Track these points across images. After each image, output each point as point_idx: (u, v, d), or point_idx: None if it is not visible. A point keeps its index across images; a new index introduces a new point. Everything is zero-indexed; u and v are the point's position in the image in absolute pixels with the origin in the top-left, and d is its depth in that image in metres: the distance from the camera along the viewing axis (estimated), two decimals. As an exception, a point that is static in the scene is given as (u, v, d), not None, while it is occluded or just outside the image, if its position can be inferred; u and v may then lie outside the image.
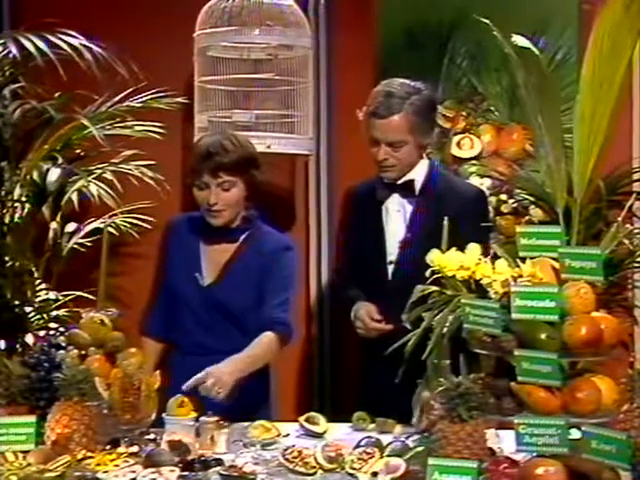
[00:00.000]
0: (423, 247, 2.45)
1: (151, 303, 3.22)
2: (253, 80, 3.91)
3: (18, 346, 3.19)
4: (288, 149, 3.91)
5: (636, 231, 2.73)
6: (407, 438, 2.55)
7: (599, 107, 2.27)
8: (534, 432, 2.09)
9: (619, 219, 2.39)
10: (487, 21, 2.40)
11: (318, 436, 2.74)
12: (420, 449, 2.33)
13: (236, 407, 2.82)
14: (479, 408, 2.13)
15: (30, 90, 3.52)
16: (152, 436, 2.56)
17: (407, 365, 2.44)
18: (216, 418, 2.61)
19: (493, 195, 3.95)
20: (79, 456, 2.33)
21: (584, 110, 2.28)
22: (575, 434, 2.11)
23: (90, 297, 3.26)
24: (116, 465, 2.31)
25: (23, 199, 3.53)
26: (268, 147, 3.80)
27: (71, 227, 3.89)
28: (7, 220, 3.42)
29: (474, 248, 2.35)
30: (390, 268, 3.15)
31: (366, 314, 3.08)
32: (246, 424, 2.75)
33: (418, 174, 3.16)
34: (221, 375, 2.80)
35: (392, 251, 3.16)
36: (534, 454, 2.11)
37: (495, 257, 2.33)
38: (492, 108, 4.16)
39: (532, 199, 3.13)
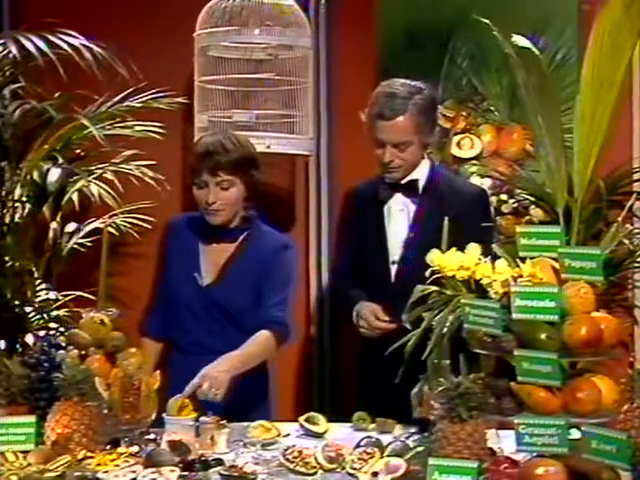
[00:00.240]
0: (428, 246, 2.45)
1: (150, 303, 3.22)
2: (253, 80, 3.91)
3: (18, 346, 3.19)
4: (288, 149, 3.91)
5: (636, 231, 2.73)
6: (407, 438, 2.56)
7: (599, 107, 2.27)
8: (534, 432, 2.08)
9: (619, 219, 2.39)
10: (487, 21, 2.41)
11: (318, 436, 2.74)
12: (420, 449, 2.33)
13: (236, 407, 2.82)
14: (479, 408, 2.13)
15: (30, 90, 3.51)
16: (152, 436, 2.56)
17: (407, 365, 2.44)
18: (216, 418, 2.61)
19: (493, 195, 3.95)
20: (79, 456, 2.33)
21: (584, 110, 2.28)
22: (575, 434, 2.11)
23: (90, 297, 3.26)
24: (116, 465, 2.31)
25: (23, 199, 3.53)
26: (268, 147, 3.80)
27: (71, 227, 3.89)
28: (7, 220, 3.42)
29: (474, 248, 2.35)
30: (393, 268, 3.15)
31: (370, 313, 3.07)
32: (246, 424, 2.75)
33: (421, 174, 3.17)
34: (217, 375, 2.81)
35: (395, 251, 3.16)
36: (534, 454, 2.11)
37: (495, 257, 2.33)
38: (492, 108, 4.17)
39: (532, 199, 3.13)
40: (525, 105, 2.36)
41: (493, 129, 4.14)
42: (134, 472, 2.28)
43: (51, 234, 3.78)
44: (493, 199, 3.92)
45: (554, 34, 4.06)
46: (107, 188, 3.80)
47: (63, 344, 2.69)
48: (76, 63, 3.11)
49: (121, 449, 2.43)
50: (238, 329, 3.04)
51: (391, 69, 3.84)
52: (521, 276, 2.20)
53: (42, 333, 3.18)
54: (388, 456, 2.39)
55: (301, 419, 2.80)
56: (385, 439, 2.55)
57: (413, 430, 2.68)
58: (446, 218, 2.50)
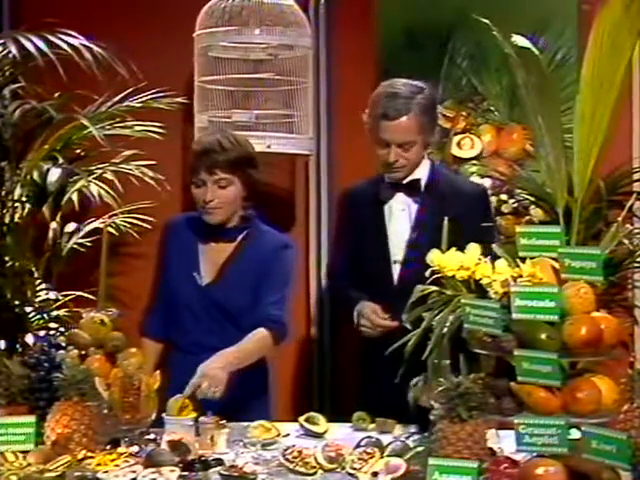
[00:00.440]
0: (431, 246, 2.45)
1: (150, 304, 3.23)
2: (253, 80, 3.91)
3: (18, 346, 3.19)
4: (288, 149, 3.92)
5: (636, 231, 2.74)
6: (407, 438, 2.56)
7: (599, 107, 2.27)
8: (534, 432, 2.08)
9: (619, 219, 2.39)
10: (487, 21, 2.40)
11: (318, 436, 2.74)
12: (420, 449, 2.33)
13: (236, 407, 2.82)
14: (479, 408, 2.13)
15: (30, 90, 3.51)
16: (152, 436, 2.56)
17: (407, 365, 2.44)
18: (216, 418, 2.61)
19: (493, 195, 3.94)
20: (79, 456, 2.33)
21: (584, 110, 2.28)
22: (575, 434, 2.11)
23: (90, 297, 3.26)
24: (116, 465, 2.31)
25: (23, 199, 3.53)
26: (268, 147, 3.81)
27: (71, 227, 3.89)
28: (7, 220, 3.42)
29: (474, 248, 2.35)
30: (395, 268, 3.15)
31: (372, 312, 3.07)
32: (246, 424, 2.75)
33: (422, 173, 3.18)
34: (215, 374, 2.81)
35: (396, 251, 3.16)
36: (534, 454, 2.11)
37: (495, 257, 2.33)
38: (492, 108, 4.17)
39: (532, 199, 3.14)
40: (525, 105, 2.36)
41: (493, 129, 4.15)
42: (134, 472, 2.28)
43: (51, 234, 3.78)
44: (493, 199, 3.92)
45: (554, 34, 4.06)
46: (107, 188, 3.80)
47: (63, 344, 2.70)
48: (76, 63, 3.11)
49: (121, 449, 2.43)
50: (238, 328, 3.04)
51: (391, 69, 3.84)
52: (521, 276, 2.20)
53: (42, 333, 3.18)
54: (388, 456, 2.39)
55: (301, 419, 2.80)
56: (385, 439, 2.55)
57: (413, 430, 2.68)
58: (446, 218, 2.51)
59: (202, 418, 2.62)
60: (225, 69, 3.88)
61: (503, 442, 2.37)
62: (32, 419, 2.40)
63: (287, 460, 2.42)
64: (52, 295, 3.60)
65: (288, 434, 2.74)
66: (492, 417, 2.21)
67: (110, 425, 2.52)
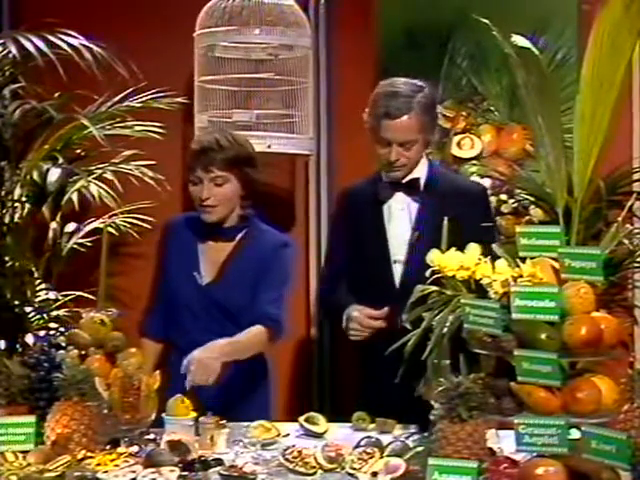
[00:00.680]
0: (432, 245, 2.45)
1: (150, 304, 3.23)
2: (253, 80, 3.91)
3: (18, 346, 3.19)
4: (288, 149, 3.92)
5: (636, 231, 2.73)
6: (407, 438, 2.55)
7: (599, 107, 2.27)
8: (534, 432, 2.08)
9: (619, 219, 2.39)
10: (487, 21, 2.40)
11: (318, 436, 2.74)
12: (420, 449, 2.33)
13: (236, 407, 2.82)
14: (479, 408, 2.12)
15: (30, 90, 3.52)
16: (152, 436, 2.56)
17: (407, 365, 2.44)
18: (216, 418, 2.61)
19: (493, 195, 3.94)
20: (79, 456, 2.33)
21: (584, 110, 2.28)
22: (575, 434, 2.11)
23: (90, 297, 3.26)
24: (116, 465, 2.31)
25: (23, 199, 3.53)
26: (268, 147, 3.81)
27: (71, 227, 3.89)
28: (7, 220, 3.42)
29: (474, 248, 2.35)
30: (395, 268, 3.14)
31: (361, 313, 3.06)
32: (246, 424, 2.75)
33: (421, 172, 3.17)
34: (208, 363, 2.83)
35: (396, 251, 3.15)
36: (534, 454, 2.11)
37: (495, 257, 2.33)
38: (492, 108, 4.17)
39: (532, 199, 3.14)
40: (525, 105, 2.36)
41: (493, 129, 4.15)
42: (134, 472, 2.28)
43: (51, 234, 3.78)
44: (493, 199, 3.92)
45: (554, 34, 4.06)
46: (107, 188, 3.80)
47: (63, 344, 2.69)
48: (76, 63, 3.11)
49: (121, 449, 2.43)
50: (238, 327, 3.03)
51: (391, 69, 3.83)
52: (521, 276, 2.20)
53: (42, 333, 3.18)
54: (388, 456, 2.39)
55: (301, 419, 2.80)
56: (385, 439, 2.55)
57: (413, 430, 2.68)
58: (446, 218, 2.51)
59: (202, 418, 2.62)
60: (225, 69, 3.88)
61: (503, 442, 2.36)
62: (32, 419, 2.40)
63: (287, 460, 2.42)
64: (52, 295, 3.60)
65: (288, 434, 2.74)
66: (492, 417, 2.21)
67: (110, 425, 2.52)
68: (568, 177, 2.32)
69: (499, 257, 2.32)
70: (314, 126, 4.03)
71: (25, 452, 2.34)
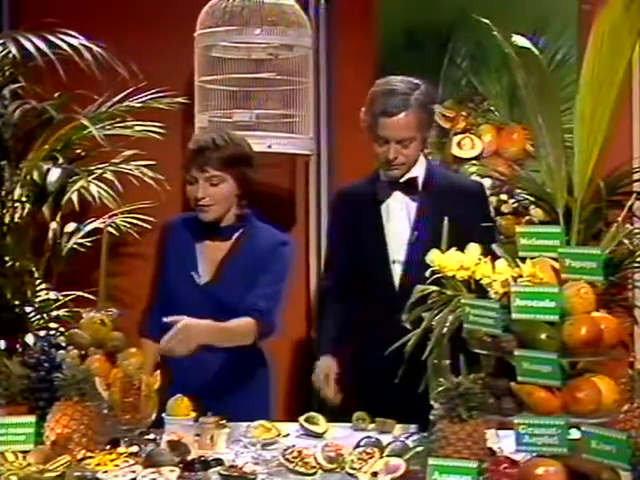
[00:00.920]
0: (432, 245, 2.45)
1: (149, 304, 3.22)
2: (254, 80, 3.92)
3: (18, 346, 3.19)
4: (289, 149, 3.92)
5: (636, 231, 2.73)
6: (407, 438, 2.55)
7: (599, 107, 2.27)
8: (534, 432, 2.08)
9: (619, 219, 2.39)
10: (487, 21, 2.40)
11: (318, 436, 2.74)
12: (420, 449, 2.32)
13: (236, 406, 2.82)
14: (479, 408, 2.12)
15: (30, 90, 3.52)
16: (152, 436, 2.56)
17: (407, 365, 2.44)
18: (216, 418, 2.61)
19: (493, 195, 3.95)
20: (79, 456, 2.33)
21: (584, 110, 2.28)
22: (575, 434, 2.11)
23: (90, 297, 3.26)
24: (116, 465, 2.31)
25: (23, 199, 3.53)
26: (269, 147, 3.81)
27: (71, 227, 3.89)
28: (7, 220, 3.43)
29: (474, 248, 2.35)
30: (395, 268, 3.14)
31: (322, 373, 3.11)
32: (246, 424, 2.75)
33: (419, 171, 3.17)
34: (191, 333, 2.86)
35: (395, 251, 3.15)
36: (534, 454, 2.11)
37: (495, 257, 2.33)
38: (492, 108, 4.17)
39: (532, 199, 3.12)
40: (525, 105, 2.36)
41: (493, 129, 4.15)
42: (134, 472, 2.28)
43: (51, 234, 3.79)
44: (493, 199, 3.92)
45: (554, 34, 4.06)
46: (107, 188, 3.81)
47: (63, 344, 2.69)
48: (76, 63, 3.11)
49: (121, 449, 2.43)
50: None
51: (391, 69, 3.82)
52: (521, 276, 2.20)
53: (42, 333, 3.19)
54: (388, 456, 2.39)
55: (301, 419, 2.80)
56: (385, 439, 2.55)
57: (413, 430, 2.68)
58: (446, 218, 2.50)
59: (202, 418, 2.62)
60: (225, 69, 3.89)
61: (503, 442, 2.36)
62: (32, 419, 2.40)
63: (287, 460, 2.42)
64: (52, 295, 3.61)
65: (288, 434, 2.74)
66: (492, 417, 2.21)
67: (110, 425, 2.52)
68: (568, 177, 2.32)
69: (499, 257, 2.32)
70: (314, 126, 4.04)
71: (25, 452, 2.34)
